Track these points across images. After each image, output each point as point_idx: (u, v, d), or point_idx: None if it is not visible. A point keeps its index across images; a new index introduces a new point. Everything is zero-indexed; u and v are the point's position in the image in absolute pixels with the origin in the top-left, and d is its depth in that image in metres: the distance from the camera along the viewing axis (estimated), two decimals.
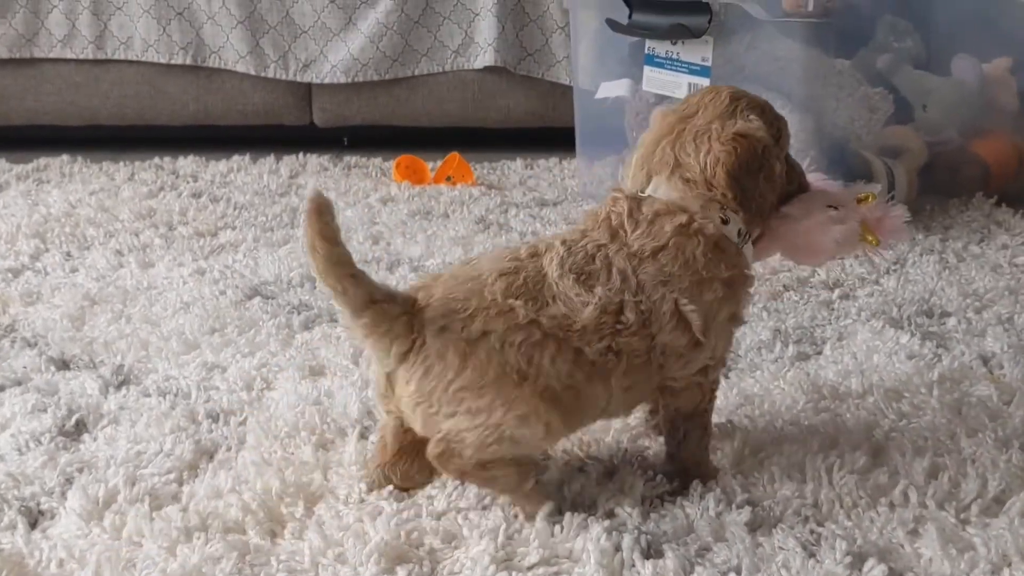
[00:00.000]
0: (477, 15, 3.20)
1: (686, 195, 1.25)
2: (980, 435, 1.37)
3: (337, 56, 3.23)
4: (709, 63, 2.35)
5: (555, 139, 3.09)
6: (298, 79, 3.26)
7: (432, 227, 2.37)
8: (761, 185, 1.26)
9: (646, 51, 2.46)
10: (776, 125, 1.32)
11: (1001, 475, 1.27)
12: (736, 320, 1.28)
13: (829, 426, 1.40)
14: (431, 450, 1.19)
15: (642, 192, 1.28)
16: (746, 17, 2.31)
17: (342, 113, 3.31)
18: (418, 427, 1.20)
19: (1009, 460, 1.31)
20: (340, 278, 1.15)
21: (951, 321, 1.79)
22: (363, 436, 1.39)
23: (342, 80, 3.24)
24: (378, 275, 2.03)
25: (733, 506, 1.22)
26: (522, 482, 1.21)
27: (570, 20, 2.79)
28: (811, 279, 2.01)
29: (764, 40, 2.36)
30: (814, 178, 1.40)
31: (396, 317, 1.16)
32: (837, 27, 2.40)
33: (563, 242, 1.24)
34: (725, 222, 1.25)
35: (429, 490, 1.26)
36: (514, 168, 2.99)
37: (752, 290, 1.30)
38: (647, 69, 2.47)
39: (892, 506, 1.22)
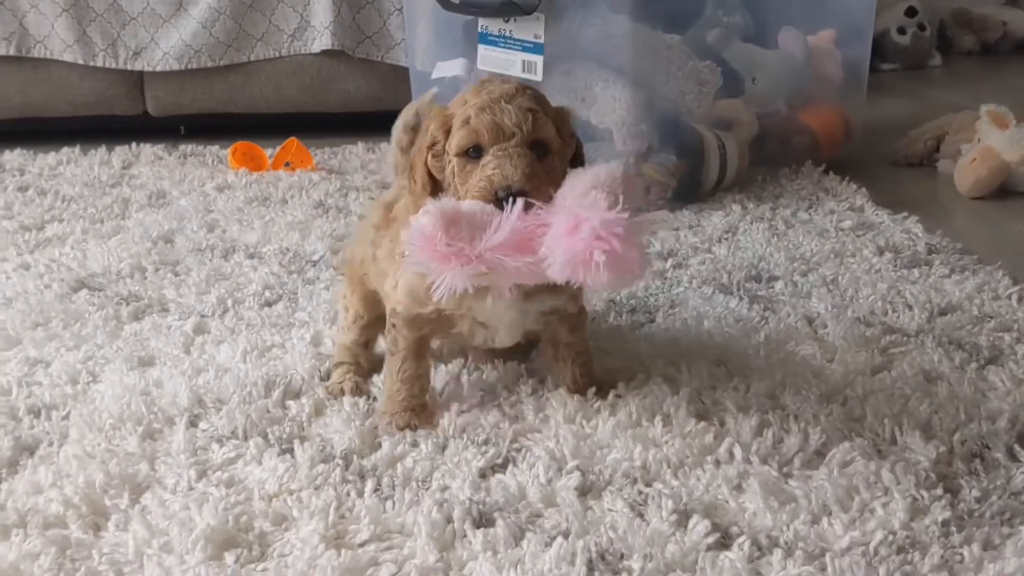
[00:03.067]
0: None
1: None
2: (803, 392, 1.41)
3: (169, 43, 3.15)
4: (542, 40, 2.36)
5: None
6: (128, 67, 3.17)
7: (270, 213, 2.33)
8: None
9: (479, 29, 2.46)
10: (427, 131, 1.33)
11: (822, 429, 1.31)
12: None
13: (658, 390, 1.42)
14: None
15: None
16: None
17: (177, 101, 3.23)
18: None
19: (830, 414, 1.35)
20: None
21: (779, 285, 1.84)
22: (192, 424, 1.36)
23: (175, 67, 3.16)
24: (212, 263, 1.99)
25: (563, 472, 1.23)
26: None
27: (404, 1, 2.77)
28: (647, 251, 2.04)
29: (596, 17, 2.38)
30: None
31: None
32: (668, 4, 2.44)
33: None
34: None
35: (259, 473, 1.25)
36: (355, 152, 2.97)
37: None
38: (481, 48, 2.47)
39: (718, 464, 1.25)
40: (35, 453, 1.30)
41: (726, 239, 2.09)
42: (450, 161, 1.29)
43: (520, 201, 1.20)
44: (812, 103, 2.78)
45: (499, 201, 1.21)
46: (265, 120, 3.29)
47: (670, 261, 1.96)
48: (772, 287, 1.83)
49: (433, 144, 1.30)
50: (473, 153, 1.26)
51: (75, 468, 1.25)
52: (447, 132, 1.29)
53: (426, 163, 1.31)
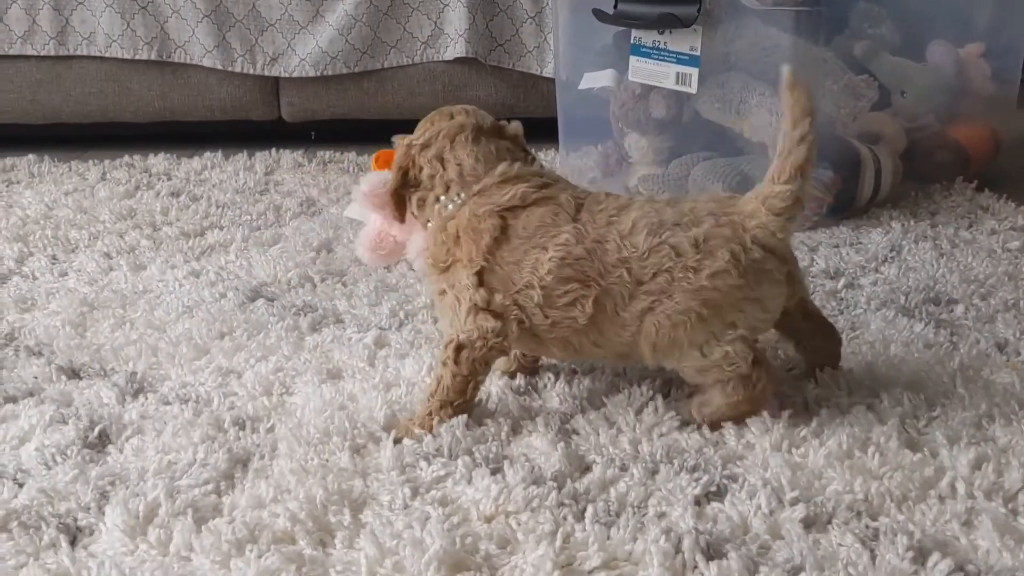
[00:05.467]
0: (447, 6, 3.16)
1: None
2: (1013, 424, 1.38)
3: (305, 49, 3.18)
4: (698, 52, 2.34)
5: (529, 129, 3.04)
6: (266, 73, 3.20)
7: None
8: None
9: (632, 41, 2.44)
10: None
11: None
12: None
13: (864, 419, 1.40)
14: None
15: None
16: (731, 5, 2.30)
17: (311, 107, 3.26)
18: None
19: None
20: None
21: (959, 308, 1.80)
22: (397, 440, 1.37)
23: (311, 74, 3.19)
24: (377, 274, 2.00)
25: (785, 503, 1.21)
26: None
27: (549, 10, 2.76)
28: (811, 268, 2.01)
29: (749, 29, 2.36)
30: None
31: None
32: (824, 15, 2.40)
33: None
34: None
35: (473, 494, 1.24)
36: None
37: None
38: (633, 59, 2.45)
39: (942, 499, 1.22)
40: (248, 466, 1.32)
41: (892, 258, 2.06)
42: None
43: None
44: (961, 117, 2.73)
45: None
46: (396, 127, 3.28)
47: (841, 281, 1.93)
48: (952, 311, 1.80)
49: None
50: None
51: (293, 483, 1.26)
52: None
53: None
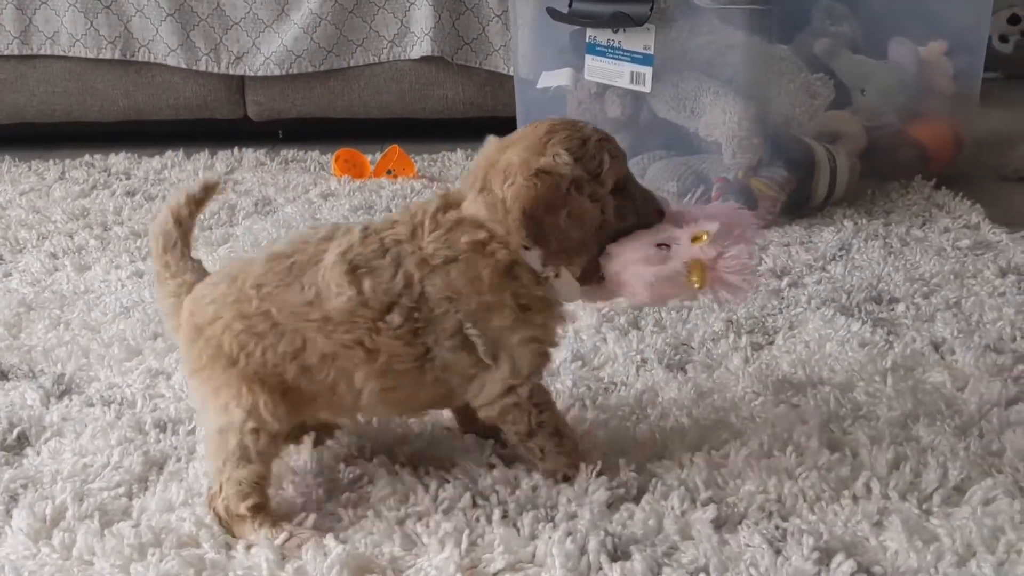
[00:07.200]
0: (412, 4, 3.15)
1: (492, 217, 1.22)
2: (937, 423, 1.37)
3: (270, 48, 3.18)
4: (651, 51, 2.33)
5: (494, 129, 3.03)
6: (230, 72, 3.20)
7: None
8: (564, 223, 1.21)
9: (587, 40, 2.44)
10: (597, 160, 1.24)
11: (961, 464, 1.27)
12: (538, 341, 1.24)
13: (787, 419, 1.39)
14: None
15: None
16: (687, 4, 2.29)
17: (277, 106, 3.26)
18: None
19: (968, 448, 1.31)
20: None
21: (900, 307, 1.79)
22: (319, 442, 1.36)
23: (276, 72, 3.18)
24: None
25: (697, 503, 1.21)
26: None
27: (509, 9, 2.76)
28: (759, 267, 2.01)
29: (704, 27, 2.35)
30: (725, 207, 1.32)
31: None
32: (776, 13, 2.40)
33: (364, 229, 1.24)
34: (528, 249, 1.22)
35: (386, 495, 1.24)
36: (455, 159, 2.96)
37: (561, 316, 1.27)
38: (588, 58, 2.45)
39: (855, 499, 1.22)
40: (164, 469, 1.31)
41: (840, 257, 2.05)
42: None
43: None
44: (922, 116, 2.72)
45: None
46: (362, 126, 3.30)
47: (785, 280, 1.92)
48: (893, 309, 1.79)
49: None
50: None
51: (205, 486, 1.25)
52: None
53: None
